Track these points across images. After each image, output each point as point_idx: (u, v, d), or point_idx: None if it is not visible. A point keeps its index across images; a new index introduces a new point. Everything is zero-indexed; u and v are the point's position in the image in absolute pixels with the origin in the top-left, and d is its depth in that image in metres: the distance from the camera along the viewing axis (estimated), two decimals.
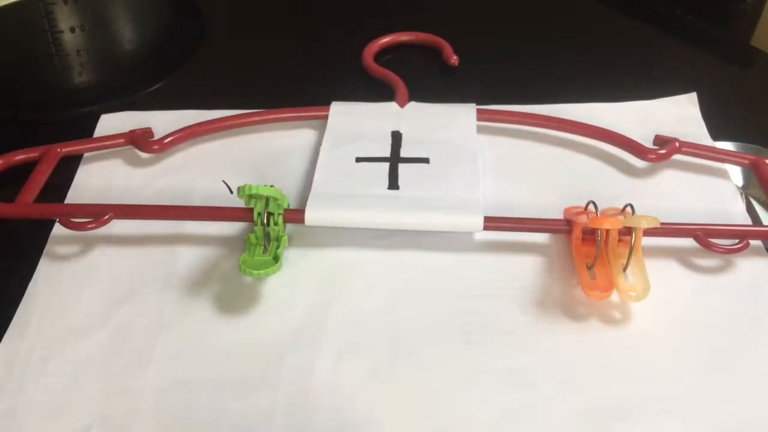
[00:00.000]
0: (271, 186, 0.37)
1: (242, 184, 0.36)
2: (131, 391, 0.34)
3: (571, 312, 0.36)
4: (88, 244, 0.40)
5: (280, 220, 0.38)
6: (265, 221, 0.38)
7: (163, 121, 0.47)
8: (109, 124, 0.48)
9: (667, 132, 0.45)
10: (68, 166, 0.45)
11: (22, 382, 0.34)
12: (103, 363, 0.35)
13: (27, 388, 0.34)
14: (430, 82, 0.52)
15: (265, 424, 0.32)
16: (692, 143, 0.43)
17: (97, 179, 0.45)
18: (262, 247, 0.38)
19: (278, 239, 0.38)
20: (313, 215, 0.38)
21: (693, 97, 0.48)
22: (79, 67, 0.52)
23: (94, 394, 0.34)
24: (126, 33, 0.54)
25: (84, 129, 0.47)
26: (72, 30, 0.50)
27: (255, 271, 0.35)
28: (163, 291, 0.38)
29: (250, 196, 0.37)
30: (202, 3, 0.62)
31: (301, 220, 0.38)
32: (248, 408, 0.33)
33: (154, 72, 0.54)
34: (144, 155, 0.46)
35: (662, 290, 0.36)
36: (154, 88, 0.53)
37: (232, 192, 0.41)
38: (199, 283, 0.38)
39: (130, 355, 0.35)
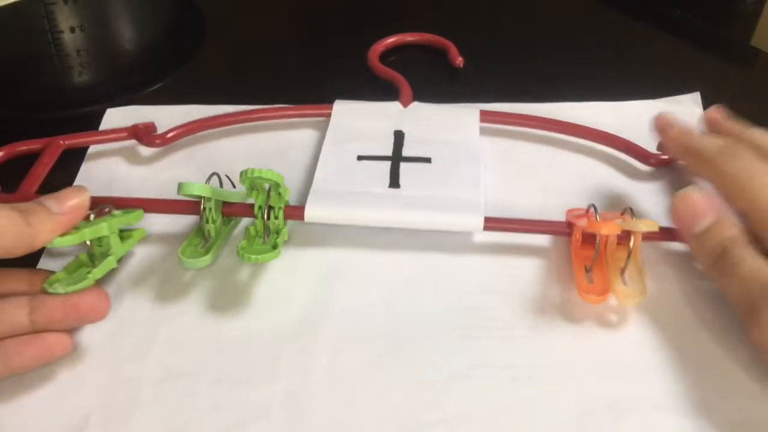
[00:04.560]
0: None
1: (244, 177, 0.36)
2: (131, 381, 0.34)
3: (569, 311, 0.36)
4: None
5: (281, 214, 0.38)
6: (266, 215, 0.38)
7: (169, 116, 0.47)
8: (115, 118, 0.48)
9: None
10: (72, 162, 0.45)
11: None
12: (103, 353, 0.35)
13: (27, 377, 0.34)
14: (435, 83, 0.52)
15: (264, 415, 0.32)
16: None
17: (100, 173, 0.45)
18: (262, 239, 0.38)
19: (278, 232, 0.38)
20: (312, 212, 0.38)
21: (696, 96, 0.48)
22: (79, 67, 0.51)
23: (94, 384, 0.34)
24: (126, 33, 0.53)
25: (84, 129, 0.46)
26: (72, 30, 0.50)
27: (253, 256, 0.35)
28: (163, 283, 0.38)
29: (253, 181, 0.37)
30: (202, 3, 0.61)
31: (301, 217, 0.38)
32: (247, 398, 0.33)
33: (154, 72, 0.54)
34: (147, 149, 0.46)
35: (660, 294, 0.36)
36: (155, 87, 0.53)
37: (234, 187, 0.41)
38: (200, 274, 0.38)
39: (130, 345, 0.35)
